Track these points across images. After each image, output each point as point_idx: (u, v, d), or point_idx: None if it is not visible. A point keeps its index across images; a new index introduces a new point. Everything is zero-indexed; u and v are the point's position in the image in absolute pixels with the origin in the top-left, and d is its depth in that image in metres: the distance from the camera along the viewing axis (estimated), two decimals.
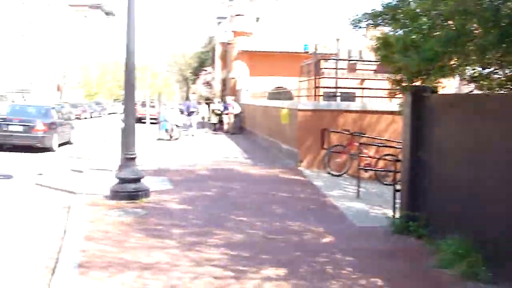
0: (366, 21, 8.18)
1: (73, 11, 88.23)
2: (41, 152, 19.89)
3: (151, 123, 32.17)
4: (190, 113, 29.40)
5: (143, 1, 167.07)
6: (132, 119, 10.56)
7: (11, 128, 20.11)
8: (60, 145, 21.69)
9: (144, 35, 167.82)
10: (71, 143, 23.51)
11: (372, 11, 8.08)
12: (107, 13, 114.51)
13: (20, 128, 20.11)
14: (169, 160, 16.78)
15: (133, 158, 10.34)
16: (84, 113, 51.94)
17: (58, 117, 22.63)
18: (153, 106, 42.84)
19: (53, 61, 65.17)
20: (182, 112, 38.39)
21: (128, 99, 10.49)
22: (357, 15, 8.29)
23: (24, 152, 19.46)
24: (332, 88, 17.78)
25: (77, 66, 70.90)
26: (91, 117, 55.57)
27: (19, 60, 63.43)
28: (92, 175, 13.42)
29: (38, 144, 20.10)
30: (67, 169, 15.31)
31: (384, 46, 8.04)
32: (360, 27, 8.39)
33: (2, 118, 20.57)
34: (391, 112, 14.60)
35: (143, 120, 30.97)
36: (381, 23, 8.10)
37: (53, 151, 20.57)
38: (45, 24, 73.08)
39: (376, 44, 8.35)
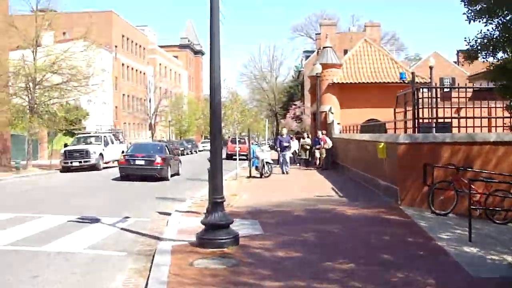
0: (484, 50, 7.07)
1: (162, 52, 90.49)
2: (160, 181, 24.65)
3: (241, 159, 31.81)
4: (282, 149, 28.00)
5: (228, 39, 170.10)
6: (219, 159, 9.87)
7: (137, 162, 25.47)
8: (171, 175, 26.37)
9: (232, 71, 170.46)
10: (179, 175, 28.11)
11: (488, 36, 6.96)
12: (196, 52, 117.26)
13: (143, 162, 25.36)
14: (260, 200, 16.04)
15: (221, 202, 9.62)
16: (175, 150, 52.46)
17: (169, 153, 27.68)
18: (243, 142, 42.65)
19: (145, 101, 66.80)
20: (273, 147, 37.72)
21: (214, 137, 9.84)
22: (472, 46, 7.19)
23: (146, 181, 24.26)
24: (430, 118, 16.56)
25: (168, 105, 72.25)
26: (183, 154, 56.15)
27: (112, 101, 65.33)
28: (180, 219, 12.84)
29: (157, 175, 24.92)
30: (156, 211, 14.89)
31: (503, 73, 6.91)
32: (478, 58, 7.30)
33: (130, 155, 26.28)
34: (504, 143, 13.27)
35: (234, 157, 30.72)
36: (498, 49, 6.98)
37: (168, 180, 25.25)
38: (135, 67, 75.35)
39: (492, 72, 7.22)
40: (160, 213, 14.47)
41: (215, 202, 9.54)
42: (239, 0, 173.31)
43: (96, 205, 16.43)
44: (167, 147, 28.63)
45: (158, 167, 24.97)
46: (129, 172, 25.30)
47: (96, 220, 13.10)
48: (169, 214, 13.86)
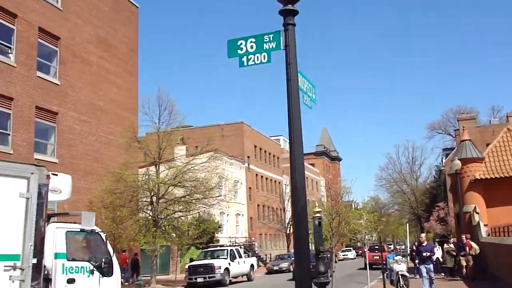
0: None
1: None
2: None
3: (373, 268, 28.96)
4: (424, 260, 21.73)
5: (363, 143, 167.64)
6: (307, 280, 7.38)
7: None
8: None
9: (368, 175, 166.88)
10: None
11: None
12: (332, 159, 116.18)
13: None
14: None
15: None
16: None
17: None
18: (380, 250, 39.34)
19: (280, 211, 65.57)
20: (415, 255, 33.79)
21: (299, 252, 7.45)
22: None
23: None
24: None
25: None
26: None
27: (246, 212, 64.84)
28: None
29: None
30: None
31: None
32: None
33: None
34: None
35: (374, 266, 28.16)
36: None
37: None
38: (269, 176, 74.99)
39: None
40: None
41: None
42: (368, 105, 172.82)
43: None
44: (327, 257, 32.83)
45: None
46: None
47: None
48: None
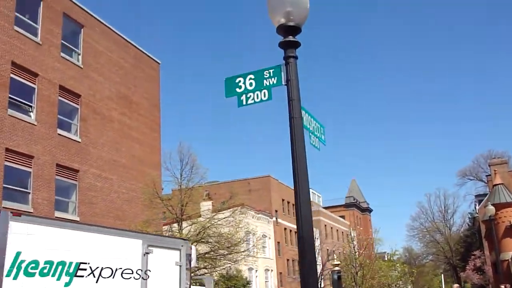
0: None
1: (327, 213, 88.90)
2: None
3: None
4: None
5: (392, 193, 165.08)
6: None
7: None
8: None
9: (398, 225, 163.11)
10: None
11: None
12: (363, 210, 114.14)
13: None
14: None
15: None
16: None
17: None
18: None
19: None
20: None
21: None
22: None
23: None
24: None
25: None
26: None
27: (275, 267, 63.51)
28: None
29: None
30: None
31: None
32: None
33: None
34: None
35: None
36: None
37: None
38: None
39: None
40: None
41: None
42: (396, 155, 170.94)
43: None
44: None
45: None
46: None
47: None
48: None
